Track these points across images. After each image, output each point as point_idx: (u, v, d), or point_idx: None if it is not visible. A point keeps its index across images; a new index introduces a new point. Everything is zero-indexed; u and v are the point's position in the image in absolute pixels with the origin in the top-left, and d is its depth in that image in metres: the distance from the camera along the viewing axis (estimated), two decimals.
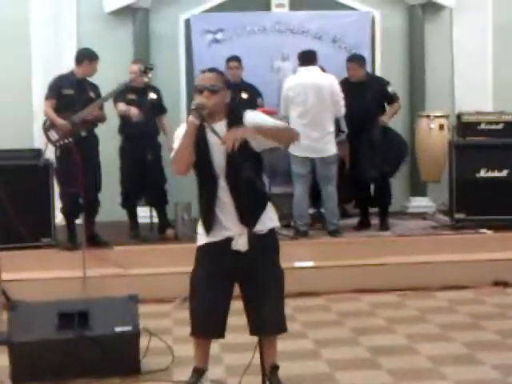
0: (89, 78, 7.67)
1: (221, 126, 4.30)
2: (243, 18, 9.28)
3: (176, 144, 4.36)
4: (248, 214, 4.38)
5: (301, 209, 7.93)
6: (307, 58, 7.94)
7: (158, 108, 8.18)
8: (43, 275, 6.92)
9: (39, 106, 8.76)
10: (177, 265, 6.84)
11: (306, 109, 7.77)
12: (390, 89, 8.24)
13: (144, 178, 7.96)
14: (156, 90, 8.19)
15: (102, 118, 7.66)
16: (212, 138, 4.29)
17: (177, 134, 4.44)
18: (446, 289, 7.03)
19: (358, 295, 6.93)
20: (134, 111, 7.76)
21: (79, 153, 6.98)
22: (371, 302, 6.74)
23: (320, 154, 7.79)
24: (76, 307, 5.00)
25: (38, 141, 8.66)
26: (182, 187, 8.58)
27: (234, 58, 8.51)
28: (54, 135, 7.36)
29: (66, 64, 8.60)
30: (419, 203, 9.35)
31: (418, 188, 9.40)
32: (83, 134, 7.44)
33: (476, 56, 9.49)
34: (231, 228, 4.38)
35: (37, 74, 8.93)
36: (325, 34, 9.30)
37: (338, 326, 6.12)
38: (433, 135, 8.75)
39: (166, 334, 5.53)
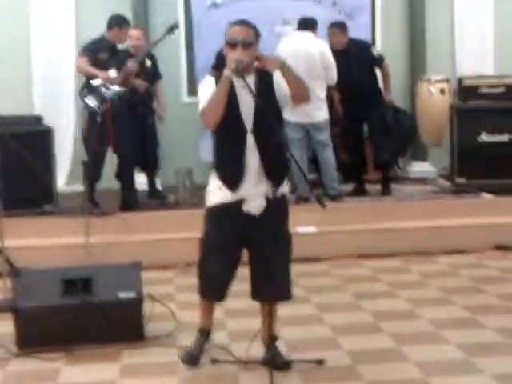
0: None
1: (251, 79, 4.29)
2: None
3: (204, 97, 4.29)
4: (274, 172, 4.33)
5: (300, 174, 7.87)
6: (305, 24, 7.86)
7: (154, 74, 8.14)
8: (46, 242, 6.93)
9: (38, 72, 8.77)
10: (178, 231, 6.88)
11: None
12: (374, 51, 8.21)
13: (142, 143, 7.96)
14: (151, 57, 8.12)
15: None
16: (242, 93, 4.27)
17: (203, 87, 4.38)
18: (448, 253, 7.06)
19: (360, 260, 6.95)
20: (140, 83, 7.77)
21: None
22: (373, 267, 6.76)
23: (311, 119, 7.76)
24: (79, 274, 5.02)
25: (38, 106, 8.65)
26: (181, 153, 8.60)
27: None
28: (93, 101, 7.32)
29: (65, 27, 8.61)
30: (420, 168, 9.32)
31: (418, 153, 9.37)
32: None
33: (477, 19, 9.37)
34: (249, 188, 4.30)
35: (35, 38, 8.83)
36: None
37: (340, 291, 6.14)
38: (433, 99, 8.72)
39: (169, 300, 5.56)
